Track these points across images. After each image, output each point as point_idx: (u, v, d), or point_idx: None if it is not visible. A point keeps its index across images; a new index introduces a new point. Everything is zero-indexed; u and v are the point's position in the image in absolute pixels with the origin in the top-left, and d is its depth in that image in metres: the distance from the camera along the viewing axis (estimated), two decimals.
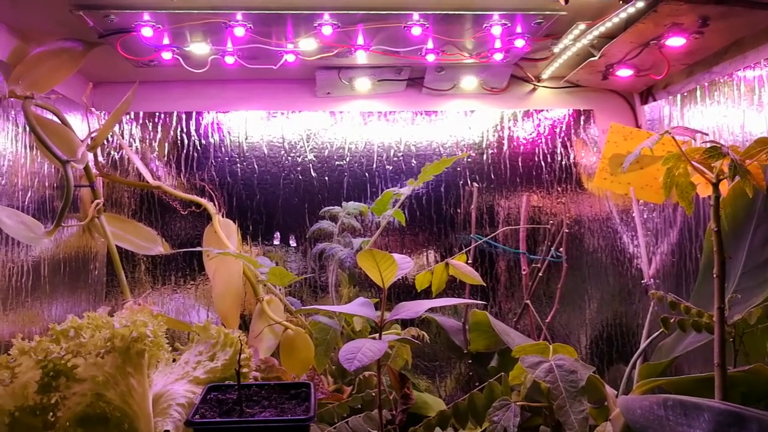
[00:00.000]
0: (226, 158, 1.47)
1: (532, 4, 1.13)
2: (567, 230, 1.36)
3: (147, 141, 1.46)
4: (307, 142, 1.50)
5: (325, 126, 1.50)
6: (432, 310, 1.35)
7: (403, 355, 1.23)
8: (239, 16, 1.12)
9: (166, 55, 1.23)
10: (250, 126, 1.49)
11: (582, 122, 1.55)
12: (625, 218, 1.51)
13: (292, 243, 1.47)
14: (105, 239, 1.26)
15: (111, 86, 1.43)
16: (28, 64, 1.10)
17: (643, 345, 1.13)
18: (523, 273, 1.42)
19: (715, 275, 0.84)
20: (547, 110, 1.55)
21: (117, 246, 1.25)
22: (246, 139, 1.48)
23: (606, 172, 1.31)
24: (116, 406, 0.83)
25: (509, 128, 1.54)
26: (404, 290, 1.43)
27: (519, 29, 1.21)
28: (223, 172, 1.47)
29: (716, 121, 1.23)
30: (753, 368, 0.85)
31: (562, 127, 1.54)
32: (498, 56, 1.31)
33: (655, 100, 1.49)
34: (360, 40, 1.22)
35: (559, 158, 1.53)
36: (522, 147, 1.53)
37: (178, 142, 1.47)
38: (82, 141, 1.18)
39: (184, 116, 1.47)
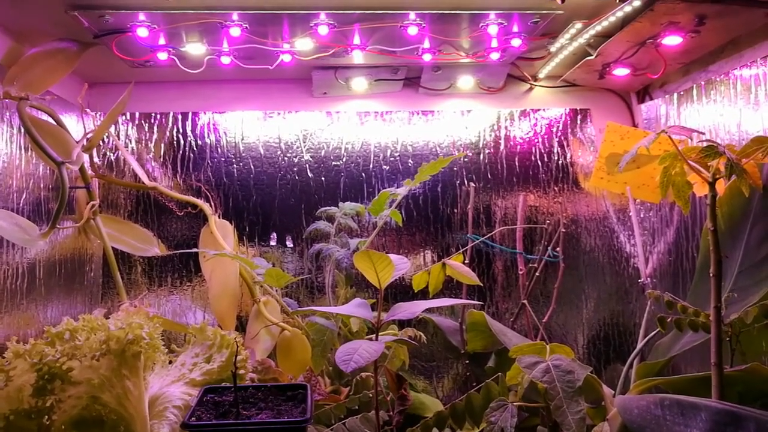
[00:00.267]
0: (223, 159, 1.47)
1: (528, 3, 1.12)
2: (564, 230, 1.36)
3: (143, 142, 1.46)
4: (304, 142, 1.49)
5: (322, 126, 1.50)
6: (429, 310, 1.35)
7: (400, 355, 1.23)
8: (235, 16, 1.12)
9: (162, 56, 1.23)
10: (247, 126, 1.48)
11: (579, 121, 1.55)
12: (622, 217, 1.51)
13: (289, 244, 1.47)
14: (101, 241, 1.25)
15: (106, 87, 1.43)
16: (23, 64, 1.10)
17: (640, 344, 1.13)
18: (520, 273, 1.42)
19: (711, 274, 0.84)
20: (543, 109, 1.55)
21: (113, 247, 1.25)
22: (242, 139, 1.48)
23: (603, 172, 1.31)
24: (112, 409, 0.82)
25: (506, 128, 1.53)
26: (401, 290, 1.43)
27: (515, 28, 1.21)
28: (219, 172, 1.46)
29: (713, 119, 1.23)
30: (750, 367, 0.85)
31: (558, 126, 1.54)
32: (494, 55, 1.31)
33: (651, 99, 1.49)
34: (356, 40, 1.22)
35: (556, 158, 1.53)
36: (519, 146, 1.53)
37: (174, 142, 1.46)
38: (77, 142, 1.18)
39: (180, 117, 1.47)
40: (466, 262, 1.22)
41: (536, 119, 1.54)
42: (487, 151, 1.52)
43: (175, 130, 1.47)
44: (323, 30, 1.15)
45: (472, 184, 1.48)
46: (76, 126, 1.32)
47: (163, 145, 1.46)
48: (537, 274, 1.35)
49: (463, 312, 1.34)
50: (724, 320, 0.86)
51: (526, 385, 1.00)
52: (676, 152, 0.87)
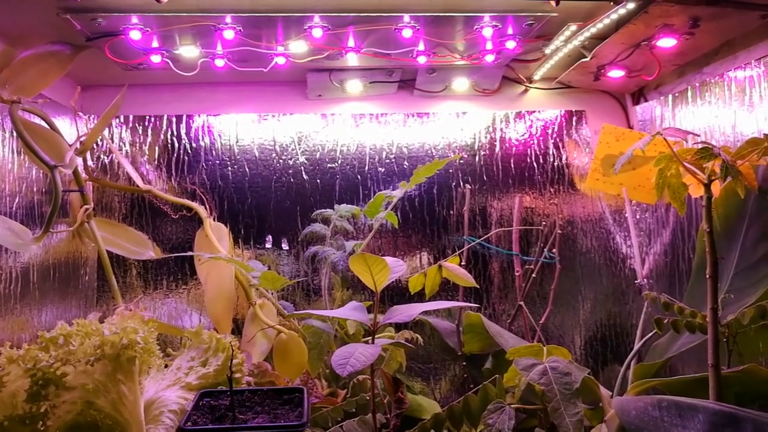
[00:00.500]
0: (217, 161, 1.46)
1: (522, 5, 1.12)
2: (560, 231, 1.36)
3: (137, 145, 1.45)
4: (299, 144, 1.49)
5: (317, 128, 1.50)
6: (426, 312, 1.35)
7: (396, 358, 1.22)
8: (228, 18, 1.11)
9: (155, 59, 1.22)
10: (241, 129, 1.48)
11: (574, 123, 1.55)
12: (618, 219, 1.51)
13: (285, 246, 1.46)
14: (95, 244, 1.25)
15: (100, 90, 1.42)
16: (15, 68, 1.09)
17: (637, 345, 1.13)
18: (517, 274, 1.41)
19: (708, 276, 0.84)
20: (538, 111, 1.55)
21: (108, 251, 1.24)
22: (237, 142, 1.47)
23: (598, 173, 1.31)
24: (107, 414, 0.82)
25: (501, 129, 1.53)
26: (398, 292, 1.43)
27: (510, 31, 1.20)
28: (214, 175, 1.46)
29: (707, 121, 1.23)
30: (747, 368, 0.85)
31: (554, 128, 1.55)
32: (489, 58, 1.31)
33: (646, 100, 1.50)
34: (351, 43, 1.21)
35: (552, 159, 1.53)
36: (514, 148, 1.53)
37: (169, 145, 1.46)
38: (70, 145, 1.17)
39: (174, 119, 1.46)
40: (462, 264, 1.22)
41: (531, 121, 1.54)
42: (482, 153, 1.52)
43: (169, 132, 1.46)
44: (317, 33, 1.15)
45: (467, 185, 1.48)
46: (69, 129, 1.31)
47: (157, 147, 1.45)
48: (533, 275, 1.35)
49: (460, 314, 1.34)
50: (721, 321, 0.86)
51: (523, 387, 1.00)
52: (671, 154, 0.87)
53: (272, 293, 1.22)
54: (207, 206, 1.37)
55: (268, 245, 1.46)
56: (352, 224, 1.38)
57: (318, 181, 1.48)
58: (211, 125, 1.47)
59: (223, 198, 1.45)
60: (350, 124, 1.51)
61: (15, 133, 1.08)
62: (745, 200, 1.01)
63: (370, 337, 0.96)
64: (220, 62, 1.25)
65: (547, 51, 1.32)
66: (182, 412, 0.89)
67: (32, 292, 1.14)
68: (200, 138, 1.47)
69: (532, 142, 1.54)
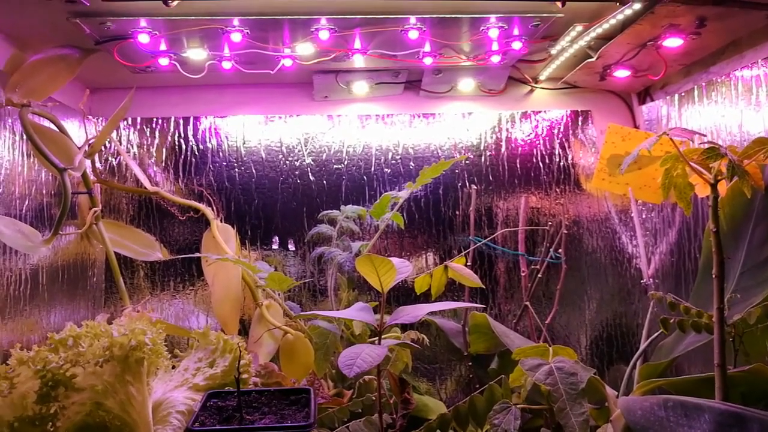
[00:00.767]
0: (224, 163, 1.47)
1: (528, 6, 1.13)
2: (566, 231, 1.36)
3: (145, 147, 1.46)
4: (305, 145, 1.49)
5: (323, 129, 1.50)
6: (431, 312, 1.35)
7: (403, 358, 1.22)
8: (236, 21, 1.12)
9: (163, 61, 1.23)
10: (248, 130, 1.49)
11: (580, 123, 1.55)
12: (624, 218, 1.51)
13: (291, 247, 1.47)
14: (103, 246, 1.25)
15: (108, 92, 1.43)
16: (25, 71, 1.10)
17: (643, 345, 1.13)
18: (522, 274, 1.42)
19: (714, 275, 0.84)
20: (544, 111, 1.55)
21: (115, 252, 1.25)
22: (244, 143, 1.48)
23: (604, 173, 1.31)
24: (116, 415, 0.82)
25: (507, 130, 1.54)
26: (404, 293, 1.43)
27: (516, 31, 1.21)
28: (221, 176, 1.47)
29: (714, 121, 1.23)
30: (753, 368, 0.85)
31: (560, 128, 1.54)
32: (495, 58, 1.31)
33: (652, 100, 1.49)
34: (357, 44, 1.22)
35: (558, 159, 1.53)
36: (520, 148, 1.53)
37: (176, 147, 1.47)
38: (79, 148, 1.18)
39: (181, 121, 1.47)
40: (468, 264, 1.22)
41: (537, 121, 1.54)
42: (488, 153, 1.52)
43: (176, 134, 1.47)
44: (324, 35, 1.15)
45: (473, 186, 1.48)
46: (78, 132, 1.33)
47: (164, 149, 1.46)
48: (539, 275, 1.35)
49: (466, 314, 1.34)
50: (727, 321, 0.86)
51: (529, 387, 1.00)
52: (677, 154, 0.87)
53: (279, 294, 1.23)
54: (214, 207, 1.37)
55: (275, 246, 1.46)
56: (359, 225, 1.39)
57: (324, 182, 1.49)
58: (218, 127, 1.48)
59: (230, 199, 1.46)
60: (356, 125, 1.51)
61: (25, 137, 1.09)
62: (752, 200, 1.00)
63: (377, 338, 0.97)
64: (227, 64, 1.25)
65: (553, 51, 1.33)
66: (190, 413, 0.89)
67: (41, 294, 1.15)
68: (207, 140, 1.48)
69: (537, 142, 1.54)
